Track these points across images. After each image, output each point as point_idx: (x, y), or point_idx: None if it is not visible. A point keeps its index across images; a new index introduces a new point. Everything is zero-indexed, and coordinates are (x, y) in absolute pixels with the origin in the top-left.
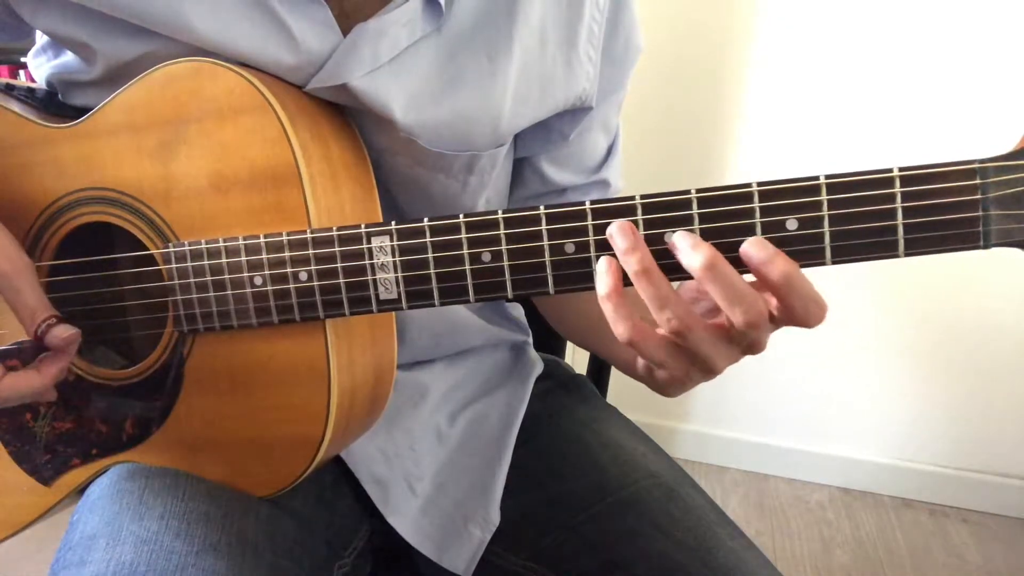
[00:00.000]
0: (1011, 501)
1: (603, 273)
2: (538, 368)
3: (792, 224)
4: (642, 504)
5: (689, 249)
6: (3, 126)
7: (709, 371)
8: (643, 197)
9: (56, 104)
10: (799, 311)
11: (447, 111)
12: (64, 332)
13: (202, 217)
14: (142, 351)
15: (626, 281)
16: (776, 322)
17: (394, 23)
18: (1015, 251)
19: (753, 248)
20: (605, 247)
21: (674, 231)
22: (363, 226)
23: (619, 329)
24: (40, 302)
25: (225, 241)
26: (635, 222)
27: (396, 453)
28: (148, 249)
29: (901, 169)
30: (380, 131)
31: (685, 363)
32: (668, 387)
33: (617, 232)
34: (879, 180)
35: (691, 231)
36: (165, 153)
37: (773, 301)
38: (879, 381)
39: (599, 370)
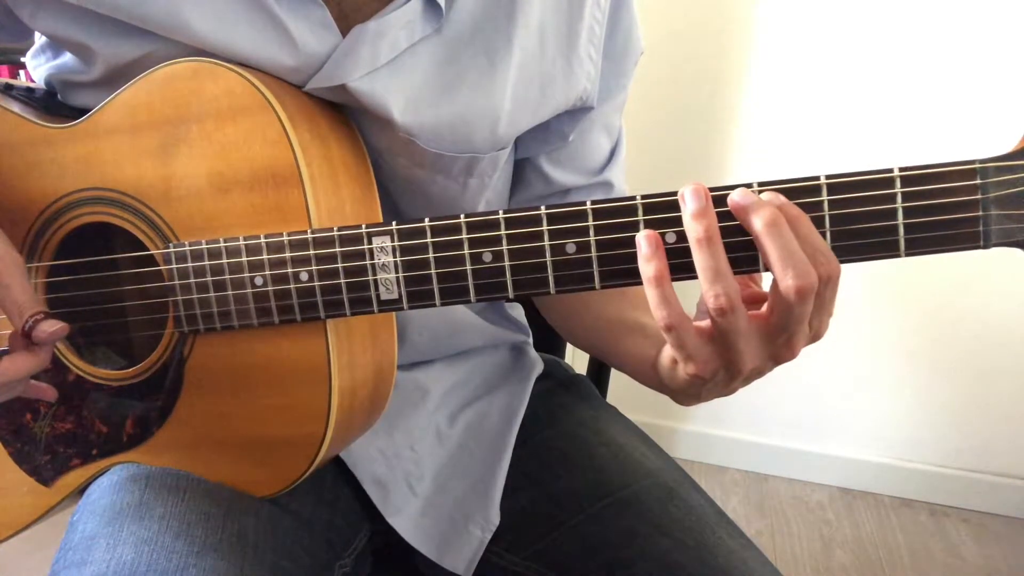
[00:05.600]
0: (1011, 501)
1: (650, 255)
2: (538, 368)
3: None
4: (642, 504)
5: (753, 205)
6: (3, 126)
7: (734, 373)
8: (644, 197)
9: (55, 104)
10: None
11: (446, 113)
12: (51, 327)
13: (202, 217)
14: (142, 351)
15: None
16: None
17: (393, 24)
18: (1015, 251)
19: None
20: (606, 247)
21: (736, 187)
22: (364, 226)
23: (661, 313)
24: (28, 298)
25: (226, 241)
26: (636, 222)
27: (396, 453)
28: (148, 249)
29: (902, 169)
30: (379, 132)
31: (715, 358)
32: (685, 391)
33: (691, 193)
34: (880, 180)
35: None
36: (165, 153)
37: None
38: (879, 381)
39: (599, 370)
